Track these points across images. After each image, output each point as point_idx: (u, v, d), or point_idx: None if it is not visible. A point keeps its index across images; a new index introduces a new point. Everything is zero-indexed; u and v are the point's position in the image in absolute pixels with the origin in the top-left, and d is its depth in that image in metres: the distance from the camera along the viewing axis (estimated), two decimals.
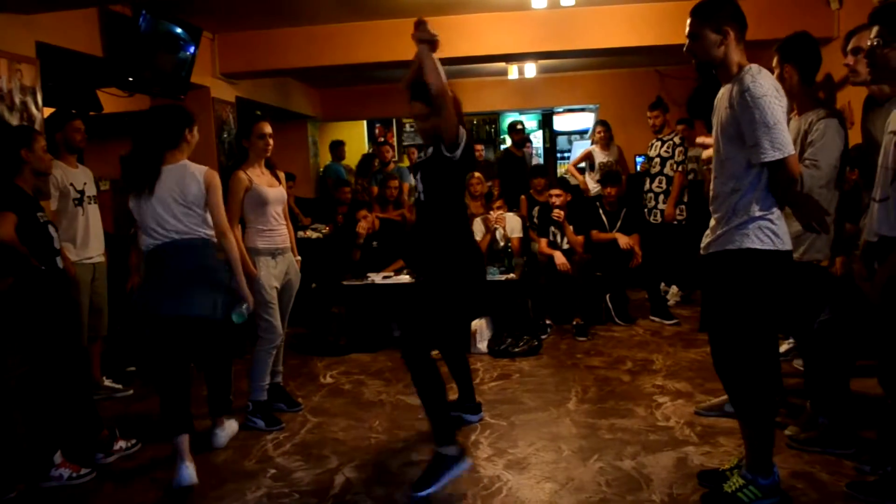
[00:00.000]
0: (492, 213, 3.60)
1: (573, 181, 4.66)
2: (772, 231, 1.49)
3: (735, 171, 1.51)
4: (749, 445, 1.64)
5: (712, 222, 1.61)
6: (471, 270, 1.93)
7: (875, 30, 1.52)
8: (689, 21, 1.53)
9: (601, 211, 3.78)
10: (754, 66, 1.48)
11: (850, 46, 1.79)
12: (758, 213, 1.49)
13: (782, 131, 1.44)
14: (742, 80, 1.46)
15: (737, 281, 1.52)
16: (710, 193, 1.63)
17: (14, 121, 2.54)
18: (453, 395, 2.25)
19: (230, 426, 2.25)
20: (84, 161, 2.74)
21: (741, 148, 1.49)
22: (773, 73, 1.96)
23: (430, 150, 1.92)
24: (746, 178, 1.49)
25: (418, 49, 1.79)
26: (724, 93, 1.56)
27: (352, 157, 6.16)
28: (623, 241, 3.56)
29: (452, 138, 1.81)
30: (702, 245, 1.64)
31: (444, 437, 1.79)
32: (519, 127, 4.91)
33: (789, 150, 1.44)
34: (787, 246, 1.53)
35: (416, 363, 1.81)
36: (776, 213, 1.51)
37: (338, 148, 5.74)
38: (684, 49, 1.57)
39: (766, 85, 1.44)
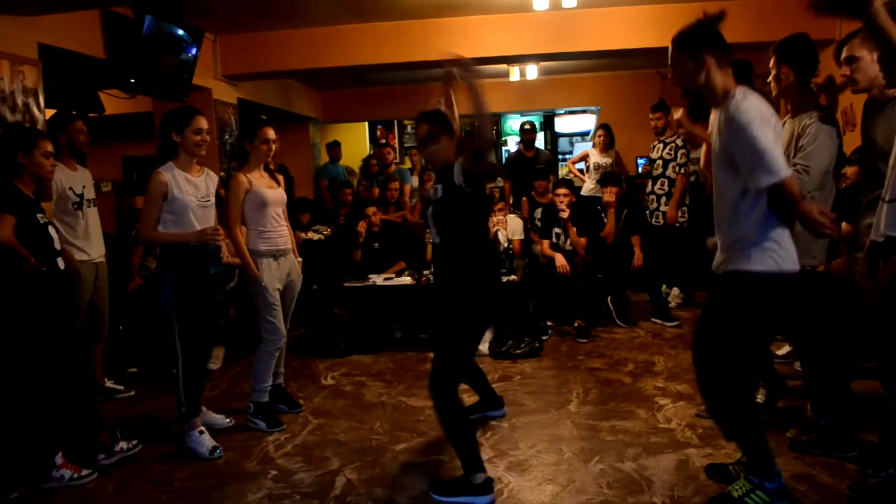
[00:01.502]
0: (493, 216, 3.60)
1: (577, 182, 4.65)
2: (775, 252, 1.47)
3: (733, 197, 1.50)
4: (746, 452, 1.63)
5: (719, 245, 1.61)
6: (488, 311, 1.82)
7: None
8: (669, 50, 1.54)
9: (602, 214, 3.78)
10: (739, 91, 1.47)
11: (843, 56, 1.77)
12: (759, 237, 1.47)
13: (774, 155, 1.42)
14: (727, 108, 1.45)
15: (737, 302, 1.51)
16: (714, 218, 1.62)
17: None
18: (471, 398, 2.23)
19: (198, 438, 2.12)
20: (86, 163, 2.74)
21: (736, 175, 1.48)
22: (769, 74, 1.96)
23: (440, 187, 1.80)
24: (744, 203, 1.48)
25: (474, 100, 1.61)
26: (713, 119, 1.56)
27: (354, 159, 6.15)
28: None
29: (482, 168, 1.70)
30: (713, 266, 1.64)
31: (474, 465, 1.75)
32: (527, 127, 4.88)
33: (784, 173, 1.42)
34: (791, 266, 1.49)
35: (445, 405, 1.76)
36: (780, 234, 1.48)
37: (334, 149, 5.62)
38: (668, 78, 1.58)
39: (750, 111, 1.42)
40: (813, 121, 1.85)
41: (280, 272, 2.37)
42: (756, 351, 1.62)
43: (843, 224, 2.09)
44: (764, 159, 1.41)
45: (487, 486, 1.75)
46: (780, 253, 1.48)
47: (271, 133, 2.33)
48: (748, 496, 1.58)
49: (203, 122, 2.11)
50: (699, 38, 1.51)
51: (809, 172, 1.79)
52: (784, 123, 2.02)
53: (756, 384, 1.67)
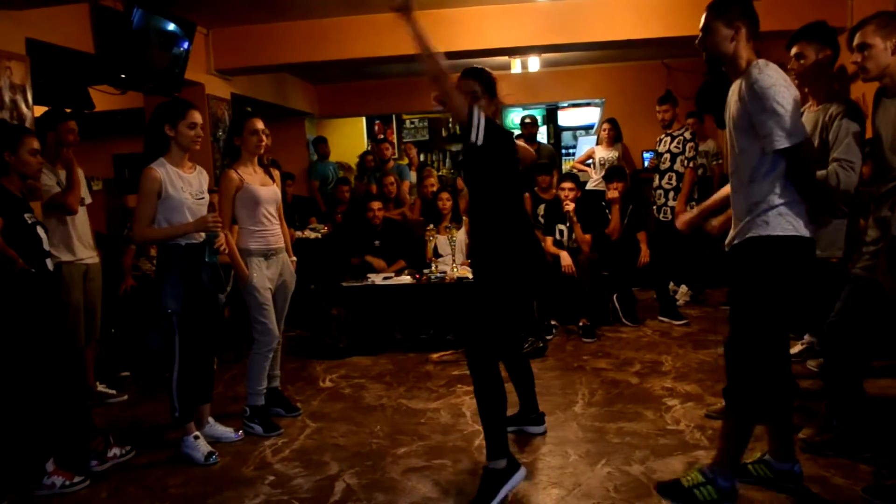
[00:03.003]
0: None
1: (583, 177, 4.58)
2: (790, 217, 1.50)
3: (751, 163, 1.52)
4: (723, 442, 1.61)
5: (733, 218, 1.61)
6: (519, 269, 1.77)
7: None
8: (703, 15, 1.57)
9: (607, 210, 3.70)
10: (761, 61, 1.50)
11: (855, 42, 1.73)
12: (777, 201, 1.49)
13: (794, 118, 1.45)
14: (749, 74, 1.48)
15: (760, 268, 1.51)
16: (731, 189, 1.61)
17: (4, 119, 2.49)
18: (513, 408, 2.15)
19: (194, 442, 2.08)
20: (77, 160, 2.68)
21: (754, 139, 1.49)
22: (789, 62, 1.90)
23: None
24: (762, 167, 1.50)
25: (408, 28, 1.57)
26: (733, 89, 1.57)
27: (352, 155, 6.07)
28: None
29: (463, 122, 1.69)
30: (725, 242, 1.63)
31: (497, 451, 1.69)
32: (528, 121, 4.78)
33: (802, 135, 1.45)
34: (807, 232, 1.52)
35: (481, 372, 1.71)
36: (795, 200, 1.51)
37: (320, 145, 5.41)
38: (696, 42, 1.59)
39: (774, 76, 1.46)
40: (840, 111, 1.79)
41: (271, 272, 2.31)
42: (786, 325, 1.58)
43: (861, 220, 2.03)
44: (783, 121, 1.43)
45: (513, 465, 1.70)
46: (796, 218, 1.50)
47: (259, 124, 2.27)
48: (697, 489, 1.58)
49: (198, 117, 2.05)
50: (736, 6, 1.54)
51: (855, 168, 1.74)
52: (802, 113, 1.96)
53: (791, 393, 1.65)
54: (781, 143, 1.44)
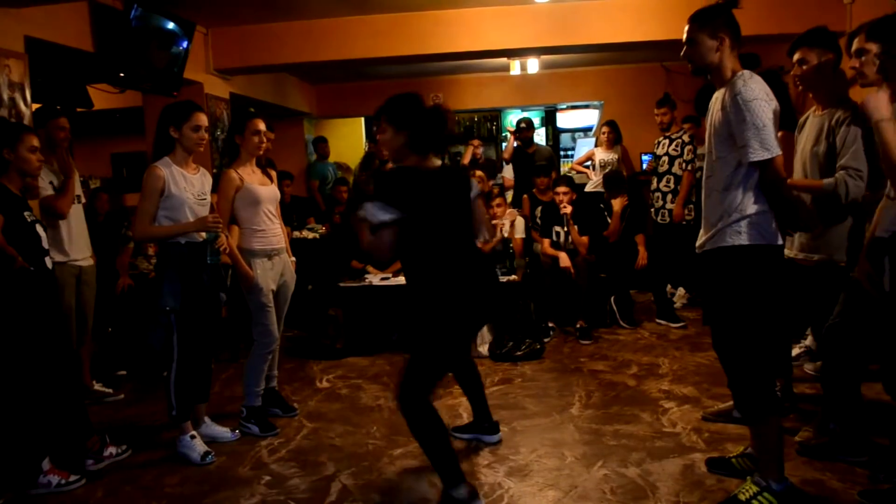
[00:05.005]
0: (497, 213, 3.53)
1: (582, 179, 4.58)
2: (760, 227, 1.54)
3: (726, 171, 1.57)
4: (759, 449, 1.63)
5: (704, 221, 1.66)
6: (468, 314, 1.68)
7: None
8: (686, 27, 1.61)
9: (606, 213, 3.72)
10: (746, 72, 1.55)
11: (853, 48, 1.74)
12: (749, 211, 1.54)
13: (771, 133, 1.50)
14: (734, 85, 1.53)
15: (733, 277, 1.56)
16: (703, 193, 1.67)
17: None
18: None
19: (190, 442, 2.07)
20: (74, 158, 2.67)
21: (732, 149, 1.55)
22: (790, 67, 1.91)
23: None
24: (737, 177, 1.55)
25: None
26: (717, 97, 1.62)
27: (351, 155, 6.07)
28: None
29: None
30: (696, 244, 1.68)
31: (452, 479, 1.62)
32: (523, 125, 4.80)
33: (776, 150, 1.51)
34: (778, 241, 1.57)
35: (413, 412, 1.62)
36: (767, 210, 1.56)
37: (320, 145, 5.41)
38: (681, 54, 1.63)
39: (756, 89, 1.51)
40: (847, 116, 1.80)
41: (274, 272, 2.31)
42: (775, 329, 1.63)
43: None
44: (761, 134, 1.49)
45: (474, 496, 1.62)
46: (767, 227, 1.55)
47: (261, 124, 2.27)
48: (755, 498, 1.56)
49: (202, 119, 2.07)
50: (719, 17, 1.58)
51: (862, 176, 1.76)
52: (807, 118, 1.97)
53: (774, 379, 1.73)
54: (757, 155, 1.49)
